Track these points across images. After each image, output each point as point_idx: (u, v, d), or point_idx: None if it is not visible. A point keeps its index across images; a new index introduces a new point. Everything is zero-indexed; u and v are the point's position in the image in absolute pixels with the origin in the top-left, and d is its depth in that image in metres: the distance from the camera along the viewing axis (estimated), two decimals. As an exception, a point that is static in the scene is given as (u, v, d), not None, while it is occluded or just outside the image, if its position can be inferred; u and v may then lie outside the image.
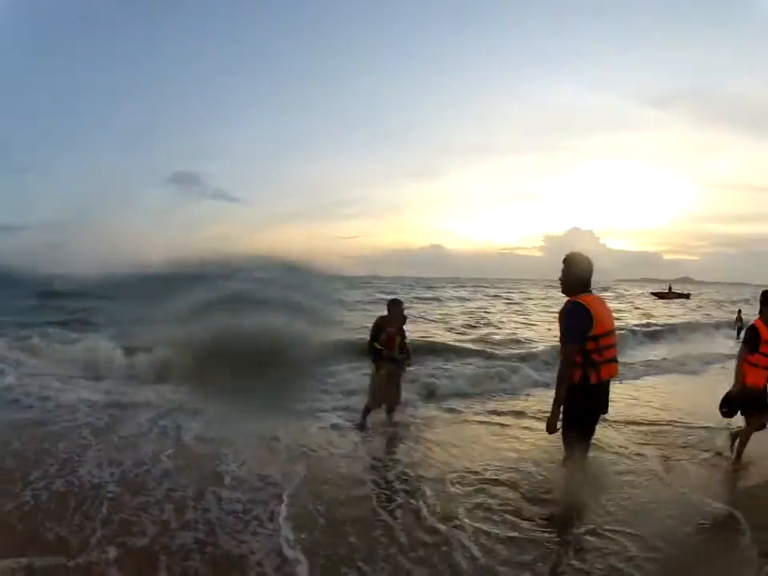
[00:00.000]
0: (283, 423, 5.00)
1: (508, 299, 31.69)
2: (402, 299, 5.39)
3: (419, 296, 29.52)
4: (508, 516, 3.21)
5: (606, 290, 50.08)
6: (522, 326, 16.18)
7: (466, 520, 3.15)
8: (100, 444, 4.27)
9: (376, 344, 5.02)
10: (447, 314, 18.77)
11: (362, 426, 5.18)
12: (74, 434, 4.50)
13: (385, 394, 5.19)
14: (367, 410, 5.22)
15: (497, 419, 5.61)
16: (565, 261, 3.08)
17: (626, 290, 59.77)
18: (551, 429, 2.99)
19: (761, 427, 4.15)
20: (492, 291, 41.73)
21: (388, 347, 5.04)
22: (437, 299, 28.11)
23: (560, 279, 3.10)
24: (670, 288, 48.09)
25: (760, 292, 4.23)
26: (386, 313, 5.16)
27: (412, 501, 3.42)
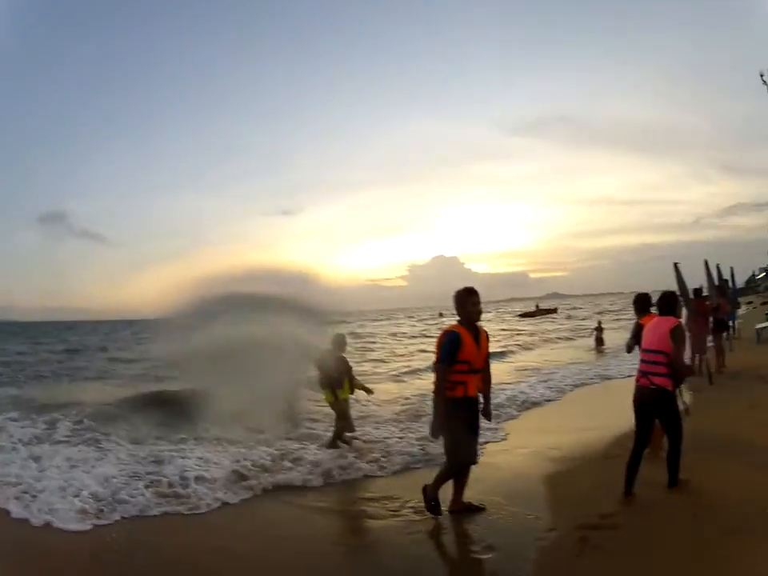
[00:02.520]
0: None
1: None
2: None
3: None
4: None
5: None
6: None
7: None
8: None
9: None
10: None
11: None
12: None
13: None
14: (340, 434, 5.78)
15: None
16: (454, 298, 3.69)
17: (495, 310, 62.89)
18: (434, 435, 3.64)
19: None
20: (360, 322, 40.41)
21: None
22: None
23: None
24: (537, 306, 50.10)
25: (627, 298, 5.84)
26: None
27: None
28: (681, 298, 7.41)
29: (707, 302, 9.90)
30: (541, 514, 3.66)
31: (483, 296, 3.64)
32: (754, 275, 44.41)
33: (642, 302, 4.78)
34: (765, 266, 46.33)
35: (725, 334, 10.46)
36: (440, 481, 3.73)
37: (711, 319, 9.72)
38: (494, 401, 4.29)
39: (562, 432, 6.19)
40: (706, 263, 10.96)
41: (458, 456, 3.63)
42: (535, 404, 8.17)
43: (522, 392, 8.83)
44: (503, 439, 5.97)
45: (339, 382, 5.67)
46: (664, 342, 3.71)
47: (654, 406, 3.78)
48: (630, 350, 4.97)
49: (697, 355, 8.54)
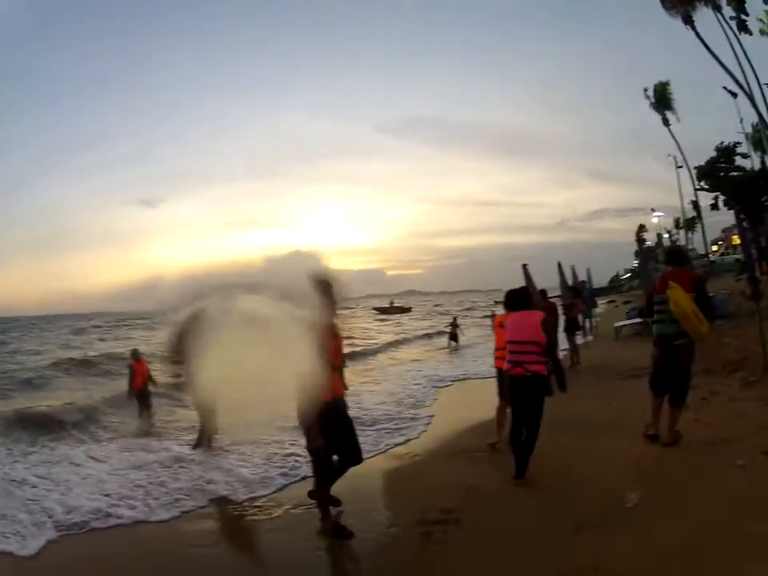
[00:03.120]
0: None
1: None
2: None
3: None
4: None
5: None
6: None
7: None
8: None
9: None
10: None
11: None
12: None
13: None
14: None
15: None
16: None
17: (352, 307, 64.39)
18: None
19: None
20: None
21: None
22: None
23: None
24: (391, 303, 52.05)
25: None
26: None
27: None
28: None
29: (562, 303, 10.44)
30: (383, 511, 3.68)
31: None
32: (618, 275, 49.78)
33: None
34: (629, 267, 49.97)
35: (578, 333, 10.87)
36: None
37: (564, 318, 10.12)
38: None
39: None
40: (559, 265, 11.41)
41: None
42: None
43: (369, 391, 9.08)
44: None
45: None
46: (536, 333, 3.94)
47: (530, 392, 3.93)
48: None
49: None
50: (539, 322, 3.98)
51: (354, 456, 3.45)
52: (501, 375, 4.70)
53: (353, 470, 3.45)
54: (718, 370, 6.67)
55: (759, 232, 13.10)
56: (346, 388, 3.59)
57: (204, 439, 5.45)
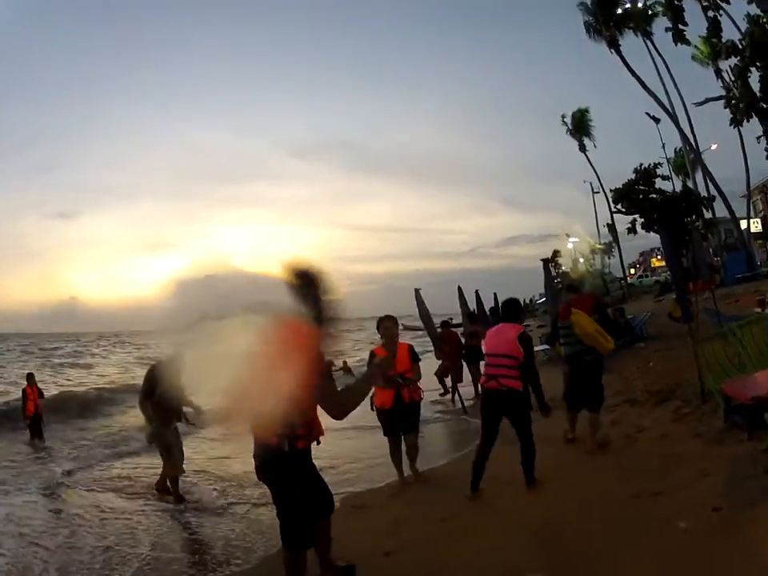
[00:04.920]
0: None
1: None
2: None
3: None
4: None
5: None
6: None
7: None
8: None
9: None
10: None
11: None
12: None
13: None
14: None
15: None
16: None
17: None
18: None
19: None
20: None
21: None
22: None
23: None
24: None
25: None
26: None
27: None
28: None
29: (463, 331, 9.91)
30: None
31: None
32: (532, 300, 51.81)
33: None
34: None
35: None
36: None
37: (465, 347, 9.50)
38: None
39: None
40: (460, 289, 10.49)
41: None
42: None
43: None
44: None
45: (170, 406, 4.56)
46: (512, 347, 3.85)
47: (504, 407, 3.87)
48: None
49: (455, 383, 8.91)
50: (516, 336, 3.87)
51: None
52: (383, 413, 4.54)
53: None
54: (644, 400, 5.99)
55: (681, 253, 13.39)
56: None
57: (175, 486, 4.84)
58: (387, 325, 4.51)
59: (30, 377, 8.55)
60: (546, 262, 7.86)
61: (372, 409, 4.55)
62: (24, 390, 8.24)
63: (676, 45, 23.36)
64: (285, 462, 2.34)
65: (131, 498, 5.25)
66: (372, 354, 4.41)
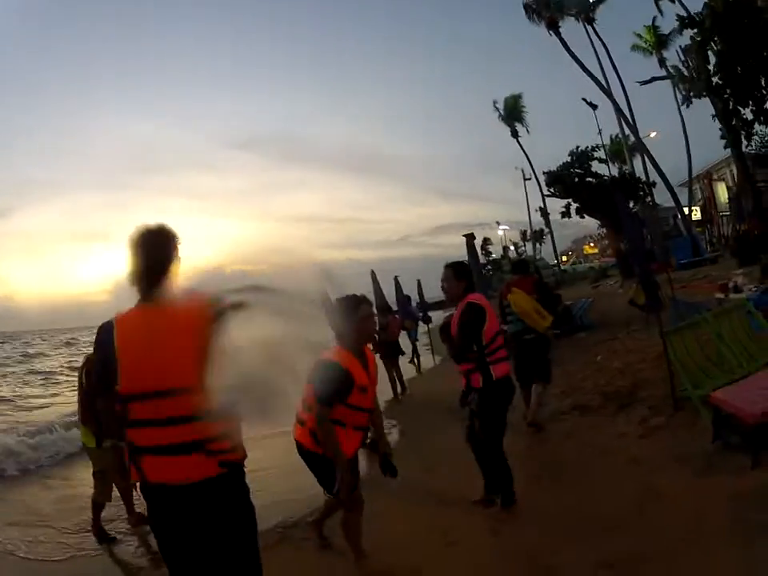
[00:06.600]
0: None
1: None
2: None
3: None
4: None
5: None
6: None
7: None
8: None
9: None
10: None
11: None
12: None
13: None
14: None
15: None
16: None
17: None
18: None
19: None
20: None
21: None
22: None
23: None
24: None
25: None
26: None
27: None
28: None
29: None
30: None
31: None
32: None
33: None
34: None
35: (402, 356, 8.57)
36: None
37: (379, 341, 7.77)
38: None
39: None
40: (373, 274, 9.29)
41: None
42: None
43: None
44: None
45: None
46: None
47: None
48: None
49: None
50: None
51: None
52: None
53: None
54: (599, 406, 4.84)
55: (619, 239, 12.94)
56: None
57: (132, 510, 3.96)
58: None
59: None
60: (469, 237, 6.67)
61: None
62: None
63: None
64: None
65: None
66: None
